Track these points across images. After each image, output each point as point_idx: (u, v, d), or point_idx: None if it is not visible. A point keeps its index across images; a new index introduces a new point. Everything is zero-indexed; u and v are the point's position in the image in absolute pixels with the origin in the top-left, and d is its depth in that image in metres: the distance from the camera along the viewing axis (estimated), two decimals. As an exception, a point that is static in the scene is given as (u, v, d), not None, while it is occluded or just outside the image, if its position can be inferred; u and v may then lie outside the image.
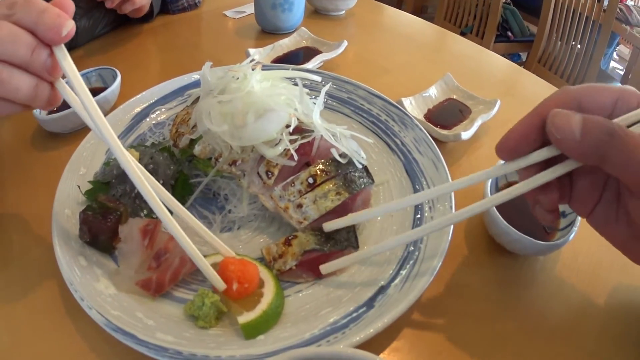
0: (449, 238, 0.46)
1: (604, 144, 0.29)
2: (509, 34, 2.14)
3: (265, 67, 0.54)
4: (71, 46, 0.85)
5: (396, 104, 0.60)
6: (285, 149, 0.47)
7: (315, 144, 0.48)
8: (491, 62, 0.93)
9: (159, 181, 0.54)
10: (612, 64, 2.37)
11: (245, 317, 0.41)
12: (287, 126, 0.48)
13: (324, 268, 0.44)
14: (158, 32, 0.93)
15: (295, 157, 0.46)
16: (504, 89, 0.84)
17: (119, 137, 0.61)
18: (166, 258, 0.48)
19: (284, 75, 0.53)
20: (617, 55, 2.43)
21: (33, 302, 0.47)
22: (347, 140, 0.49)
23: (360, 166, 0.48)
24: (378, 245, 0.43)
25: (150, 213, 0.54)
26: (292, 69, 0.55)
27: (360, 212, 0.45)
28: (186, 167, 0.56)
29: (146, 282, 0.46)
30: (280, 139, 0.47)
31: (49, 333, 0.45)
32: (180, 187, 0.55)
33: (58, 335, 0.44)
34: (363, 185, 0.48)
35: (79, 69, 0.72)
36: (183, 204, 0.54)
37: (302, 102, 0.49)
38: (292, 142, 0.47)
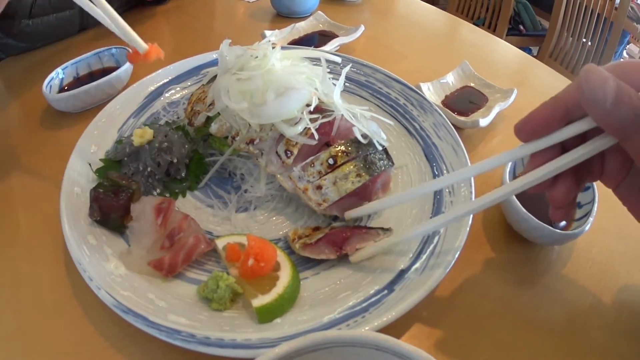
0: (469, 223, 0.44)
1: (631, 124, 0.27)
2: (521, 27, 2.11)
3: (284, 48, 0.52)
4: (82, 27, 0.83)
5: (415, 89, 0.58)
6: (305, 128, 0.45)
7: (336, 123, 0.46)
8: (506, 52, 0.90)
9: (173, 160, 0.52)
10: (621, 62, 2.33)
11: (259, 301, 0.39)
12: (308, 105, 0.46)
13: (354, 257, 0.42)
14: (171, 14, 0.91)
15: (316, 136, 0.44)
16: (518, 79, 0.81)
17: (131, 115, 0.60)
18: (180, 237, 0.46)
19: (304, 55, 0.51)
20: (627, 54, 2.39)
21: (39, 283, 0.46)
22: (367, 121, 0.47)
23: (380, 148, 0.46)
24: (408, 234, 0.41)
25: (163, 192, 0.52)
26: (313, 50, 0.52)
27: (382, 200, 0.43)
28: (201, 146, 0.54)
29: (158, 262, 0.44)
30: (301, 118, 0.45)
31: (54, 315, 0.43)
32: (194, 167, 0.53)
33: (64, 317, 0.43)
34: (383, 168, 0.46)
35: (91, 50, 0.71)
36: (198, 183, 0.52)
37: (324, 81, 0.46)
38: (312, 121, 0.45)
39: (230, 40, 0.52)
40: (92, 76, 0.70)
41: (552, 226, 0.46)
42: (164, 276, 0.44)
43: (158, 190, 0.51)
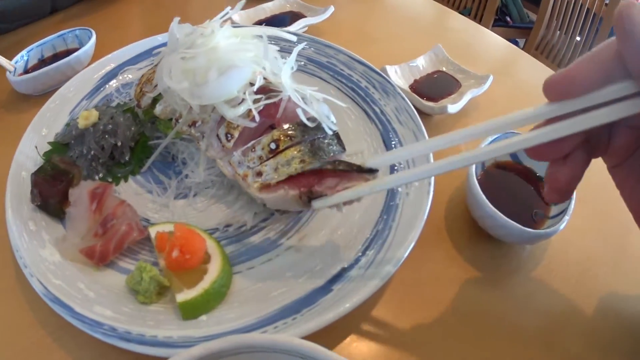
0: (425, 216, 0.37)
1: None
2: (508, 19, 1.97)
3: (235, 26, 0.44)
4: (54, 8, 0.76)
5: (378, 71, 0.51)
6: (248, 110, 0.38)
7: (282, 105, 0.39)
8: (485, 39, 0.81)
9: (117, 143, 0.46)
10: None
11: (184, 295, 0.34)
12: (253, 85, 0.39)
13: (318, 203, 0.32)
14: None
15: (257, 118, 0.37)
16: (497, 67, 0.73)
17: (84, 97, 0.53)
18: (113, 224, 0.40)
19: (255, 32, 0.44)
20: None
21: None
22: (318, 103, 0.40)
23: (330, 132, 0.39)
24: (391, 179, 0.31)
25: (106, 176, 0.46)
26: (264, 27, 0.45)
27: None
28: (148, 129, 0.47)
29: (90, 250, 0.39)
30: (243, 99, 0.38)
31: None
32: (139, 150, 0.46)
33: (6, 306, 0.38)
34: (332, 154, 0.39)
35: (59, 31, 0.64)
36: (141, 167, 0.46)
37: (267, 58, 0.39)
38: (256, 102, 0.38)
39: (179, 18, 0.44)
40: (57, 58, 0.63)
41: (522, 224, 0.39)
42: (96, 265, 0.38)
43: (100, 175, 0.45)
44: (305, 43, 0.44)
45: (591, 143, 0.26)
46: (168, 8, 0.79)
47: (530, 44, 1.61)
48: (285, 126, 0.38)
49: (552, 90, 0.24)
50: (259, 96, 0.39)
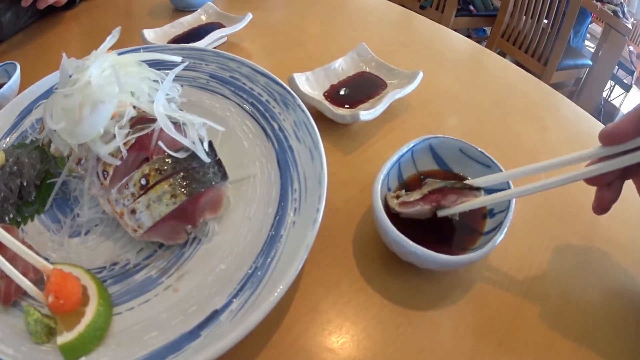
0: (308, 249, 0.33)
1: None
2: (471, 7, 1.81)
3: (121, 53, 0.42)
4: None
5: (280, 82, 0.46)
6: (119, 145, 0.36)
7: (154, 136, 0.36)
8: (426, 31, 0.74)
9: (22, 183, 0.45)
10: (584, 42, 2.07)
11: (63, 338, 0.33)
12: (124, 118, 0.37)
13: (441, 212, 0.38)
14: (81, 17, 0.79)
15: (125, 153, 0.35)
16: (437, 61, 0.66)
17: (3, 136, 0.52)
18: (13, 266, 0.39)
19: (137, 59, 0.41)
20: (589, 33, 2.09)
21: None
22: (196, 129, 0.37)
23: (208, 160, 0.36)
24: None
25: (16, 216, 0.45)
26: (144, 50, 0.42)
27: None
28: (53, 166, 0.46)
29: None
30: (115, 134, 0.36)
31: None
32: (44, 188, 0.45)
33: None
34: (210, 184, 0.36)
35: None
36: (45, 205, 0.45)
37: (139, 87, 0.37)
38: (128, 135, 0.36)
39: (65, 53, 0.42)
40: (-10, 94, 0.62)
41: (450, 243, 0.35)
42: (2, 305, 0.38)
43: (11, 215, 0.45)
44: (188, 62, 0.40)
45: (625, 173, 0.32)
46: (107, 30, 0.75)
47: (496, 32, 1.50)
48: (156, 159, 0.36)
49: (605, 139, 0.30)
50: (128, 130, 0.37)
